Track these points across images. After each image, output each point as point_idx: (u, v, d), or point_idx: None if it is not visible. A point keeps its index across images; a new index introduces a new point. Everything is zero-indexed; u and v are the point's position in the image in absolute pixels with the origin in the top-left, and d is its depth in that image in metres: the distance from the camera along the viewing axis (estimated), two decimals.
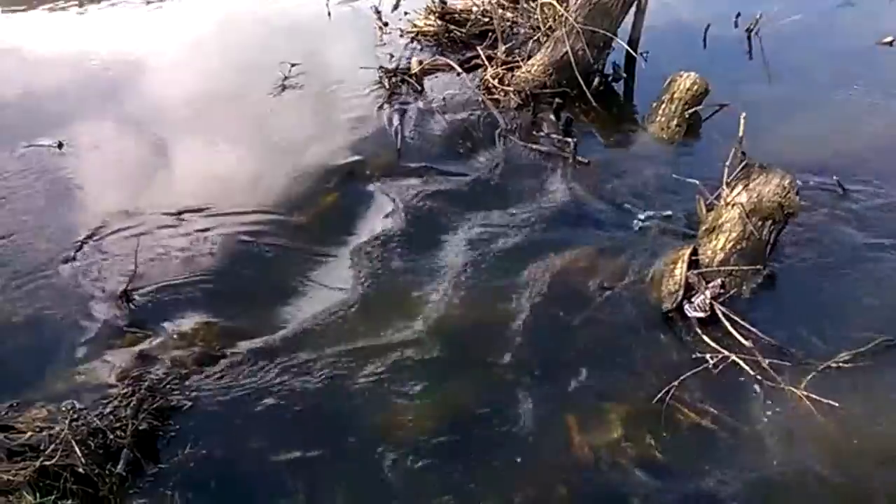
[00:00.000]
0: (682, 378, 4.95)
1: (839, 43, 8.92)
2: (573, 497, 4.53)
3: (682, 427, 4.86)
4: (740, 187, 5.99)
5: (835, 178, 6.67)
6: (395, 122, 7.68)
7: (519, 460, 4.69)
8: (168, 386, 4.95)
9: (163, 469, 4.56)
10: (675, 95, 7.63)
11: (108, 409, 4.72)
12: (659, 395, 4.90)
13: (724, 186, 6.06)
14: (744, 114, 6.77)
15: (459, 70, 8.30)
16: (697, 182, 6.32)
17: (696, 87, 7.63)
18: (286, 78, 8.28)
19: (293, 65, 8.36)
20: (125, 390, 4.82)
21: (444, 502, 4.47)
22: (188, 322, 5.51)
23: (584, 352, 5.34)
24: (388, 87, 8.17)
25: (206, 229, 6.32)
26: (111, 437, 4.47)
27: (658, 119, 7.64)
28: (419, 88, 8.20)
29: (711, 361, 5.09)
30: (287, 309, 5.67)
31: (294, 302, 5.74)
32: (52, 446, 4.22)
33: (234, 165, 7.10)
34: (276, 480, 4.55)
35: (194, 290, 5.79)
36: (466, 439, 4.81)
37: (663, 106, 7.66)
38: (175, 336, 5.38)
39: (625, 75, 8.44)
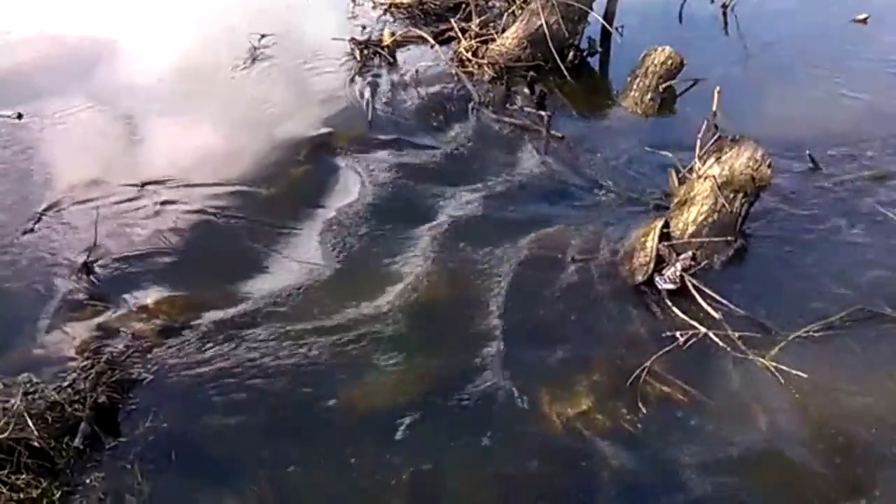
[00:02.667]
0: (654, 357, 4.90)
1: (814, 20, 8.92)
2: (545, 469, 4.47)
3: (653, 399, 4.82)
4: (712, 160, 5.94)
5: (807, 152, 6.66)
6: (367, 94, 7.57)
7: (490, 433, 4.63)
8: (129, 359, 4.83)
9: (122, 443, 4.44)
10: (650, 69, 7.58)
11: (66, 383, 4.59)
12: (633, 376, 4.84)
13: (697, 159, 6.02)
14: (718, 88, 6.77)
15: (433, 42, 8.20)
16: (670, 154, 6.28)
17: (670, 61, 7.58)
18: (255, 49, 8.10)
19: (262, 36, 8.18)
20: (84, 363, 4.69)
21: (414, 477, 4.40)
22: (151, 295, 5.37)
23: (555, 324, 5.28)
24: (359, 59, 8.03)
25: (171, 201, 6.16)
26: (69, 410, 4.34)
27: (632, 93, 7.59)
28: (391, 61, 8.08)
29: (682, 338, 5.03)
30: (253, 282, 5.54)
31: (261, 275, 5.62)
32: (5, 420, 4.08)
33: (201, 138, 6.93)
34: (240, 456, 4.43)
35: (157, 262, 5.64)
36: (437, 413, 4.73)
37: (637, 80, 7.61)
38: (137, 309, 5.24)
39: (600, 49, 8.37)
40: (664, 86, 7.53)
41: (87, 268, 5.46)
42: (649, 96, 7.51)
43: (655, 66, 7.57)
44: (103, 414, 4.48)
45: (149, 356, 4.91)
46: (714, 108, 6.74)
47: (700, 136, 6.12)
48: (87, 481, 4.22)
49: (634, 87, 7.59)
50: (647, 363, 4.87)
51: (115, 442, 4.44)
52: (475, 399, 4.81)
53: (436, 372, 4.96)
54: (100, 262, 5.57)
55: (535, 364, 5.04)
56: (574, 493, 4.44)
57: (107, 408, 4.50)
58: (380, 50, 8.15)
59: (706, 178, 5.85)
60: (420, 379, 4.92)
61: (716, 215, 5.75)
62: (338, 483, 4.37)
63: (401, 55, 8.18)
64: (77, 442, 4.27)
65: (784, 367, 4.86)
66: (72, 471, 4.23)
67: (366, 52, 8.10)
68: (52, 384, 4.57)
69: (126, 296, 5.36)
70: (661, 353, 4.94)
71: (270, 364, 4.95)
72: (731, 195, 5.77)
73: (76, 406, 4.38)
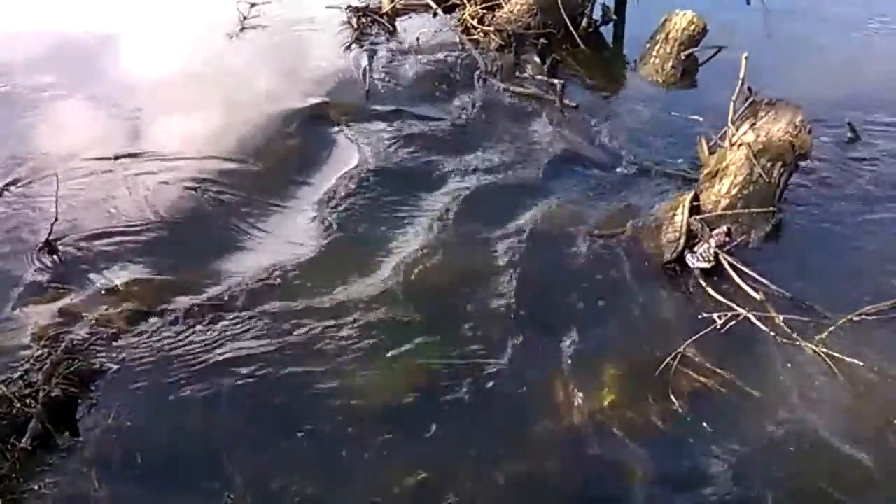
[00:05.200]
0: (688, 342, 4.40)
1: None
2: (564, 470, 3.99)
3: (686, 390, 4.33)
4: (747, 126, 5.42)
5: (846, 121, 6.14)
6: (364, 63, 7.06)
7: (502, 430, 4.15)
8: (91, 347, 4.33)
9: (79, 443, 3.94)
10: (671, 35, 7.06)
11: (17, 374, 4.09)
12: (665, 361, 4.34)
13: (730, 125, 5.45)
14: (745, 54, 6.19)
15: (436, 9, 7.68)
16: (700, 119, 5.70)
17: (692, 26, 7.06)
18: (245, 18, 7.59)
19: (252, 4, 7.65)
20: (39, 352, 4.17)
21: (414, 481, 3.90)
22: (121, 276, 4.86)
23: (574, 308, 4.80)
24: (356, 27, 7.53)
25: (147, 175, 5.65)
26: (18, 405, 3.82)
27: (651, 60, 7.05)
28: (391, 29, 7.59)
29: (720, 320, 4.48)
30: (235, 262, 5.04)
31: (244, 255, 5.11)
32: None
33: (184, 109, 6.40)
34: (215, 459, 3.91)
35: (130, 241, 5.13)
36: (441, 407, 4.24)
37: (657, 47, 7.08)
38: (104, 291, 4.74)
39: (615, 17, 7.83)
40: (686, 53, 6.97)
41: (49, 246, 4.95)
42: (670, 64, 6.97)
43: (677, 31, 7.05)
44: (58, 410, 3.98)
45: (114, 344, 4.41)
46: (742, 75, 6.15)
47: (733, 99, 5.54)
48: (36, 488, 3.71)
49: (654, 54, 7.06)
50: (681, 348, 4.34)
51: (70, 442, 3.93)
52: (484, 392, 4.32)
53: (439, 361, 4.46)
54: (65, 241, 5.06)
55: (552, 352, 4.54)
56: (597, 497, 3.96)
57: (62, 402, 4.00)
58: (378, 18, 7.65)
59: (740, 145, 5.31)
60: (421, 369, 4.43)
61: (752, 186, 5.23)
62: (328, 489, 3.86)
63: (401, 23, 7.69)
64: (25, 442, 3.77)
65: (836, 354, 4.39)
66: (17, 476, 3.72)
67: (363, 20, 7.61)
68: (0, 376, 4.05)
69: (93, 277, 4.86)
70: (695, 337, 4.41)
71: (253, 354, 4.43)
72: (769, 164, 5.25)
73: (27, 401, 3.86)
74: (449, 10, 7.76)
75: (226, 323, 4.57)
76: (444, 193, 5.62)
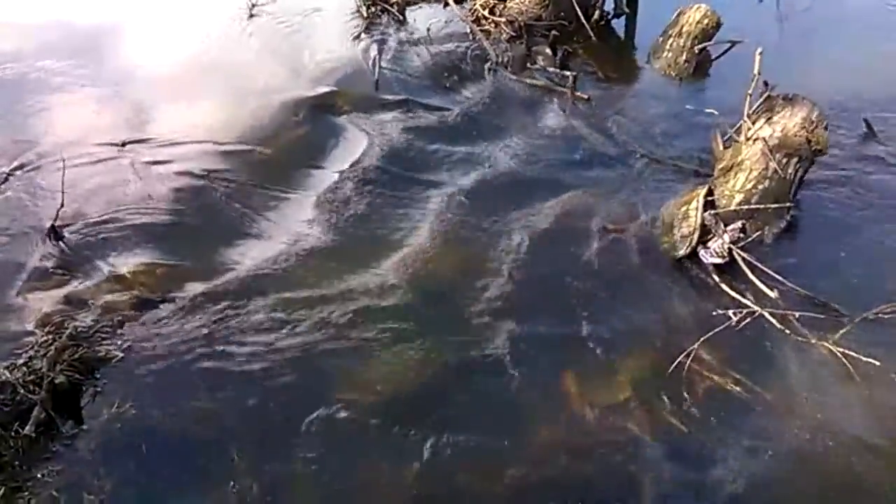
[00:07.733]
0: (702, 339, 4.32)
1: None
2: (573, 469, 3.92)
3: (699, 388, 4.27)
4: (762, 121, 5.32)
5: (862, 117, 6.04)
6: (373, 53, 6.97)
7: (509, 428, 4.08)
8: (96, 335, 4.27)
9: (83, 430, 3.90)
10: (684, 29, 6.96)
11: (21, 361, 4.03)
12: (678, 360, 4.26)
13: (745, 119, 5.36)
14: (759, 48, 6.10)
15: None
16: (715, 113, 5.61)
17: (706, 20, 6.96)
18: (254, 6, 7.51)
19: None
20: (44, 339, 4.11)
21: (417, 478, 3.84)
22: (127, 263, 4.81)
23: (585, 302, 4.71)
24: (365, 16, 7.45)
25: (154, 162, 5.60)
26: (21, 392, 3.75)
27: (665, 54, 6.95)
28: (401, 18, 7.49)
29: (735, 318, 4.39)
30: (241, 250, 4.98)
31: (250, 243, 5.06)
32: None
33: (191, 96, 6.36)
34: (220, 449, 3.88)
35: (136, 227, 5.08)
36: (449, 402, 4.19)
37: (671, 40, 6.98)
38: (110, 278, 4.69)
39: (627, 10, 7.71)
40: (700, 47, 6.88)
41: (55, 232, 4.89)
42: (684, 58, 6.87)
43: (690, 25, 6.95)
44: (62, 397, 3.93)
45: (120, 332, 4.36)
46: (756, 69, 6.06)
47: (749, 93, 5.45)
48: (39, 475, 3.67)
49: (667, 47, 6.96)
50: (695, 346, 4.27)
51: (74, 430, 3.90)
52: (490, 387, 4.27)
53: (445, 355, 4.40)
54: (70, 227, 5.00)
55: (561, 348, 4.49)
56: (608, 497, 3.88)
57: (67, 390, 3.95)
58: (388, 7, 7.56)
59: (756, 140, 5.21)
60: (425, 362, 4.37)
61: (767, 182, 5.14)
62: (332, 482, 3.80)
63: (411, 13, 7.59)
64: (28, 429, 3.74)
65: (852, 353, 4.31)
66: (20, 463, 3.69)
67: (373, 9, 7.52)
68: (4, 362, 4.01)
69: (99, 263, 4.81)
70: (709, 334, 4.32)
71: (259, 344, 4.38)
72: (784, 159, 5.15)
73: (31, 387, 3.81)
74: (459, 0, 7.69)
75: (232, 311, 4.51)
76: (452, 185, 5.53)
